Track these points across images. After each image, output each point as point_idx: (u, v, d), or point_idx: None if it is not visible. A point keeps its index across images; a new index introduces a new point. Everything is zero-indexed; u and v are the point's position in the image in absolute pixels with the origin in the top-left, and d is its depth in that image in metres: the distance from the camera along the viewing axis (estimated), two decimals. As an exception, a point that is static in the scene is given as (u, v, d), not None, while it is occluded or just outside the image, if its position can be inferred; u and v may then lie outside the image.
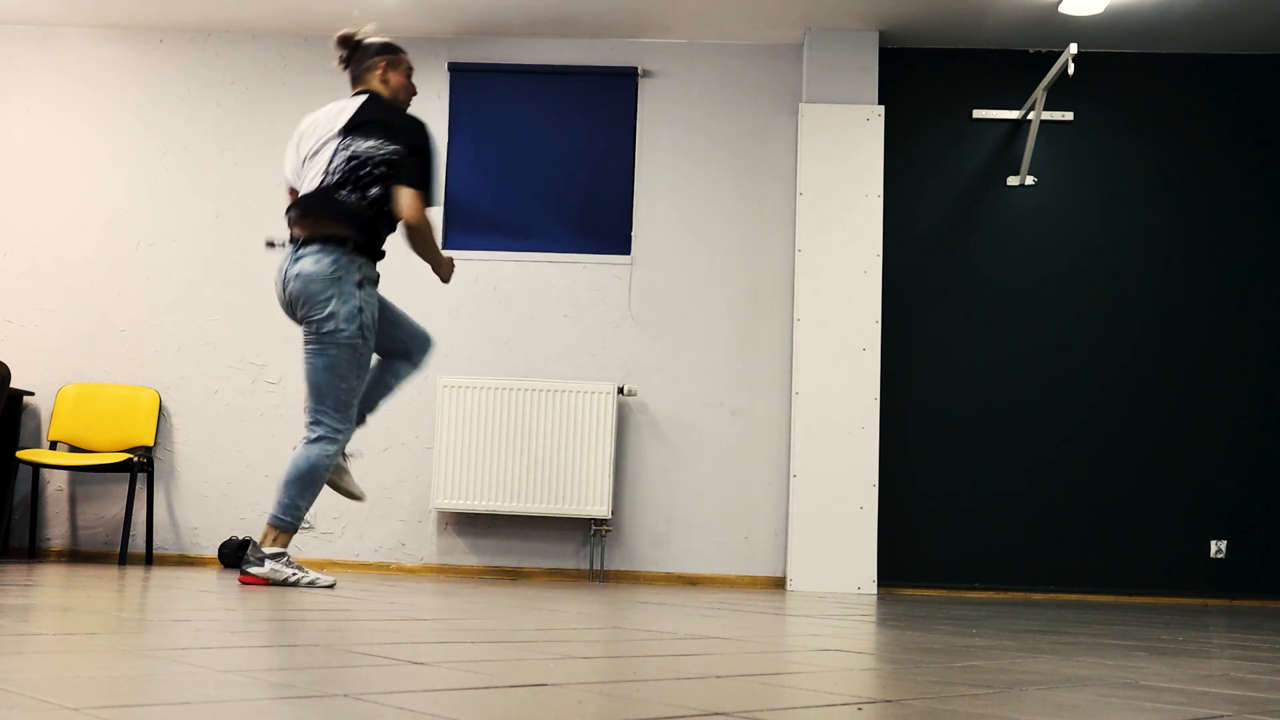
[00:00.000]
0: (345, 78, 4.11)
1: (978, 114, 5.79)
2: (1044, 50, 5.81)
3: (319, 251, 3.70)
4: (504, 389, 5.46)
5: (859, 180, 5.54)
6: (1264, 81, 5.76)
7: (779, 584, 5.45)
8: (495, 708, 1.23)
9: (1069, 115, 5.74)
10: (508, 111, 5.87)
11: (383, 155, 3.74)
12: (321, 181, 3.76)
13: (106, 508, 5.65)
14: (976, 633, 2.72)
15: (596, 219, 5.71)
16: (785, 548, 5.46)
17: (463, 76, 5.89)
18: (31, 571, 4.10)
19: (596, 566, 5.48)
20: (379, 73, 3.95)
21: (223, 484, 5.65)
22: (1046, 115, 5.70)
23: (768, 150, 5.77)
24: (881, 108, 5.58)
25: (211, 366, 5.73)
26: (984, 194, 5.77)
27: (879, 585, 5.46)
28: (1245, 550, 5.49)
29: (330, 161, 3.76)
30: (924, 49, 5.85)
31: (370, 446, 5.64)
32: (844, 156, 5.55)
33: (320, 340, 3.69)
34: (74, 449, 5.58)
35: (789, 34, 5.74)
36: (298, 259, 3.73)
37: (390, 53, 3.98)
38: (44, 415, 5.70)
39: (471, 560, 5.53)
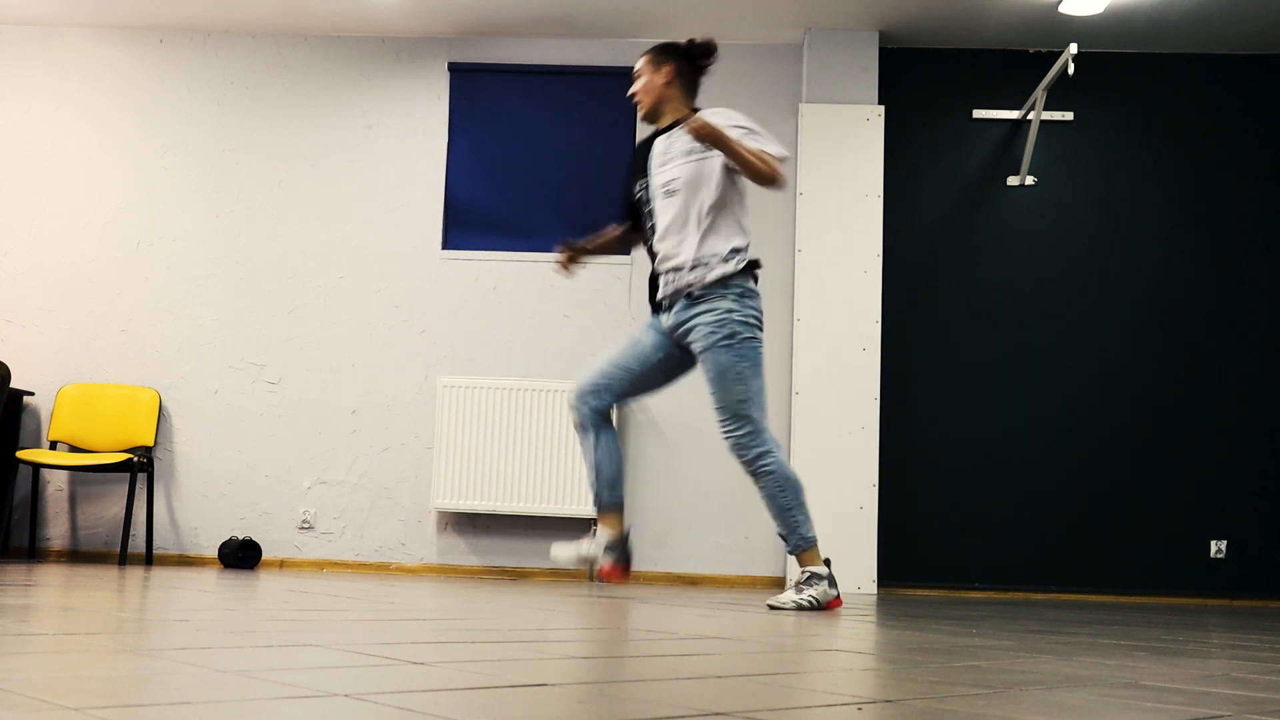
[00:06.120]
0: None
1: (978, 114, 5.78)
2: (1044, 50, 5.81)
3: None
4: (504, 389, 5.46)
5: (859, 180, 5.54)
6: (1264, 81, 5.76)
7: (779, 584, 5.44)
8: (495, 708, 1.23)
9: (1069, 115, 5.74)
10: (508, 111, 5.87)
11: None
12: None
13: (106, 508, 5.65)
14: (976, 633, 2.72)
15: (596, 219, 5.70)
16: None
17: (463, 76, 5.89)
18: (31, 571, 4.10)
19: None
20: None
21: (223, 484, 5.65)
22: (1046, 115, 5.70)
23: (768, 150, 5.76)
24: (881, 108, 5.58)
25: (211, 366, 5.73)
26: (984, 194, 5.76)
27: (879, 585, 5.46)
28: (1245, 550, 5.49)
29: None
30: (924, 49, 5.85)
31: (370, 446, 5.64)
32: (844, 156, 5.55)
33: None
34: (74, 449, 5.58)
35: (789, 34, 5.74)
36: None
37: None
38: (44, 415, 5.70)
39: (471, 560, 5.53)
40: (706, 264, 3.60)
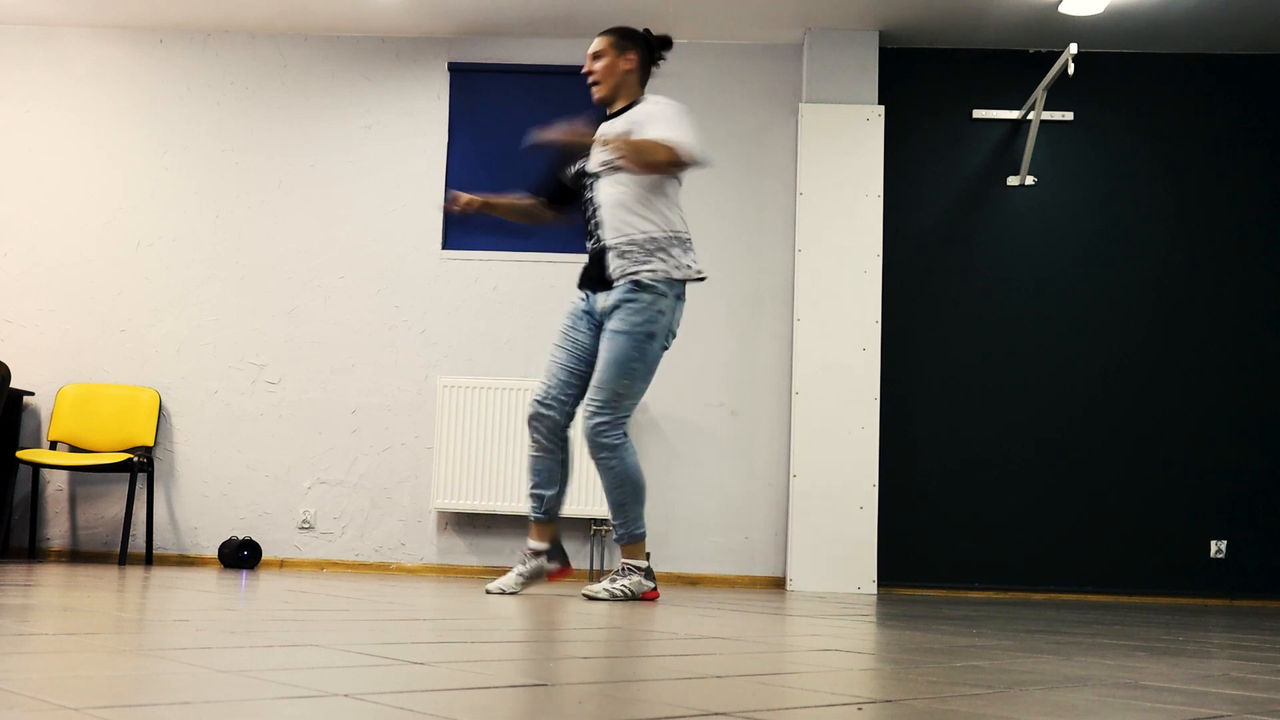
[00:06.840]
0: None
1: (978, 114, 5.78)
2: (1044, 50, 5.81)
3: None
4: (504, 389, 5.46)
5: (859, 180, 5.54)
6: (1264, 81, 5.76)
7: (779, 584, 5.45)
8: (495, 708, 1.23)
9: (1069, 115, 5.74)
10: (508, 111, 5.87)
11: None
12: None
13: (106, 508, 5.65)
14: (976, 633, 2.72)
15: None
16: (785, 548, 5.46)
17: (463, 76, 5.89)
18: (31, 571, 4.10)
19: (596, 566, 5.48)
20: None
21: (223, 484, 5.65)
22: (1046, 115, 5.70)
23: (768, 150, 5.77)
24: (881, 108, 5.58)
25: (211, 366, 5.73)
26: (984, 194, 5.76)
27: (879, 585, 5.46)
28: (1245, 550, 5.49)
29: None
30: (924, 49, 5.85)
31: (370, 446, 5.64)
32: (844, 156, 5.55)
33: None
34: (74, 449, 5.58)
35: (789, 34, 5.74)
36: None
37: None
38: (44, 415, 5.70)
39: (471, 560, 5.53)
40: (652, 251, 3.67)
